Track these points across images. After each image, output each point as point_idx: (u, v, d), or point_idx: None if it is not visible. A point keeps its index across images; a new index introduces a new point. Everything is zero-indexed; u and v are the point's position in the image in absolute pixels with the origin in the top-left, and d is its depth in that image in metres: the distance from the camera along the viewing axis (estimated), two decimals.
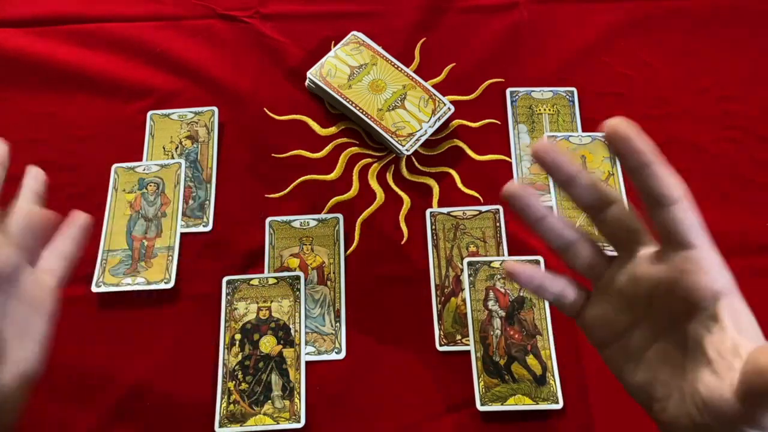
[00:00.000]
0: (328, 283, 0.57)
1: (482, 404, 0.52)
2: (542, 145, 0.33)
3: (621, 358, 0.34)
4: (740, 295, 0.31)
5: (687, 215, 0.31)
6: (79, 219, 0.43)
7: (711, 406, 0.29)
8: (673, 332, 0.32)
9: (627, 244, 0.34)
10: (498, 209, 0.60)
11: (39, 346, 0.38)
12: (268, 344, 0.54)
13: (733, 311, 0.30)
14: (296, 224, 0.59)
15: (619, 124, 0.33)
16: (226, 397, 0.52)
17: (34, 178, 0.45)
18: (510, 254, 0.58)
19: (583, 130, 0.64)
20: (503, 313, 0.55)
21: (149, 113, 0.65)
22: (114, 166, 0.62)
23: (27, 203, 0.42)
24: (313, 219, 0.60)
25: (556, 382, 0.53)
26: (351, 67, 0.64)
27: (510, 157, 0.63)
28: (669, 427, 0.32)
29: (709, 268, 0.31)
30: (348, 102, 0.62)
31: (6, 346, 0.35)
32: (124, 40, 0.68)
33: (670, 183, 0.32)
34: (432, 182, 0.62)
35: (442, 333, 0.55)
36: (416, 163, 0.63)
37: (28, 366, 0.36)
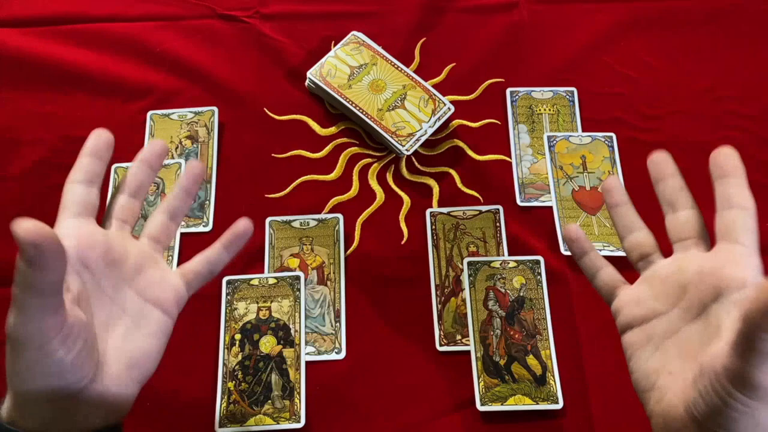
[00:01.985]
0: (328, 283, 0.57)
1: (482, 404, 0.52)
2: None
3: (641, 342, 0.35)
4: None
5: (748, 221, 0.36)
6: (243, 229, 0.42)
7: (707, 372, 0.30)
8: (699, 322, 0.34)
9: (688, 244, 0.38)
10: (498, 209, 0.60)
11: (156, 343, 0.37)
12: (268, 344, 0.54)
13: None
14: (296, 224, 0.59)
15: (722, 150, 0.40)
16: (226, 397, 0.52)
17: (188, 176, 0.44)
18: (510, 254, 0.58)
19: (583, 130, 0.64)
20: (503, 313, 0.55)
21: (149, 113, 0.65)
22: (114, 166, 0.62)
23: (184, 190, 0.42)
24: (313, 219, 0.60)
25: (556, 382, 0.53)
26: (351, 67, 0.64)
27: (510, 157, 0.63)
28: (660, 416, 0.33)
29: (747, 264, 0.34)
30: (348, 102, 0.62)
31: (107, 331, 0.34)
32: (124, 40, 0.68)
33: (745, 195, 0.38)
34: (432, 182, 0.62)
35: (442, 333, 0.55)
36: (416, 163, 0.63)
37: (142, 363, 0.36)
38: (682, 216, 0.39)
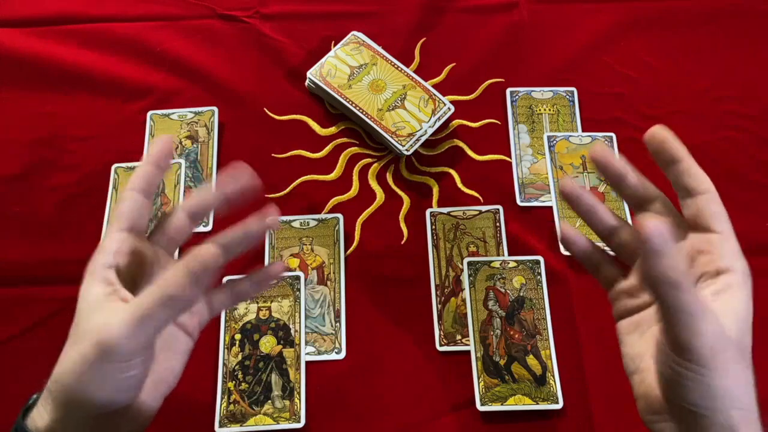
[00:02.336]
0: (328, 283, 0.57)
1: (482, 404, 0.52)
2: (599, 150, 0.40)
3: (630, 329, 0.37)
4: (747, 285, 0.34)
5: (712, 205, 0.36)
6: (278, 272, 0.42)
7: (659, 347, 0.32)
8: None
9: None
10: (498, 209, 0.60)
11: (181, 361, 0.39)
12: (268, 344, 0.54)
13: (726, 289, 0.34)
14: (296, 224, 0.59)
15: (657, 129, 0.40)
16: (226, 397, 0.52)
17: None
18: (510, 254, 0.58)
19: (583, 130, 0.64)
20: (503, 313, 0.55)
21: (149, 113, 0.65)
22: (114, 166, 0.62)
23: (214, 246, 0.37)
24: (313, 219, 0.60)
25: (556, 382, 0.53)
26: (351, 67, 0.64)
27: (510, 157, 0.63)
28: (642, 398, 0.35)
29: (726, 252, 0.35)
30: (348, 102, 0.62)
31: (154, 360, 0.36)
32: (124, 40, 0.68)
33: (699, 176, 0.37)
34: (432, 182, 0.62)
35: (442, 333, 0.55)
36: (416, 163, 0.63)
37: (168, 379, 0.38)
38: (656, 208, 0.40)
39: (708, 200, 0.36)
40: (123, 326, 0.32)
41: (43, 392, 0.35)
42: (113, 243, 0.36)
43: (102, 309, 0.34)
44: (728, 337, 0.31)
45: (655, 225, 0.29)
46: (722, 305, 0.33)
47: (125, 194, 0.38)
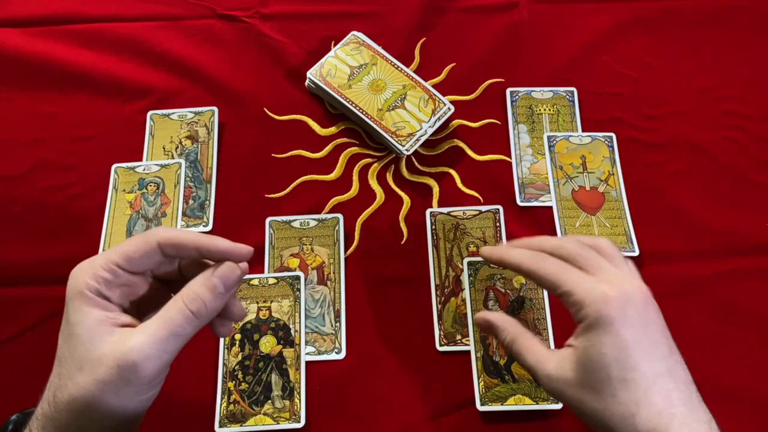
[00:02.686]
0: (328, 283, 0.57)
1: (482, 404, 0.52)
2: (484, 252, 0.45)
3: None
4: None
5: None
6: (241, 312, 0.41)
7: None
8: None
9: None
10: (498, 209, 0.60)
11: (167, 369, 0.38)
12: (268, 344, 0.54)
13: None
14: (296, 224, 0.59)
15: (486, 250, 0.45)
16: (226, 397, 0.52)
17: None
18: None
19: (583, 130, 0.64)
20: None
21: (149, 113, 0.65)
22: (114, 166, 0.62)
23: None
24: (313, 219, 0.60)
25: None
26: (351, 67, 0.64)
27: (510, 157, 0.63)
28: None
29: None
30: (348, 102, 0.62)
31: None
32: (124, 40, 0.68)
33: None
34: (432, 182, 0.62)
35: (442, 333, 0.55)
36: (416, 163, 0.63)
37: (160, 385, 0.38)
38: None
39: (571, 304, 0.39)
40: (152, 347, 0.32)
41: (35, 418, 0.34)
42: (106, 273, 0.35)
43: (110, 333, 0.33)
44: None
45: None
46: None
47: (149, 239, 0.36)
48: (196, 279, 0.35)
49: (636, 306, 0.37)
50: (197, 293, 0.34)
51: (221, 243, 0.37)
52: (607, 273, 0.38)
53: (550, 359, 0.39)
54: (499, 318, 0.44)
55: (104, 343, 0.33)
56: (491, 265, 0.54)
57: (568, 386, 0.37)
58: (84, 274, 0.35)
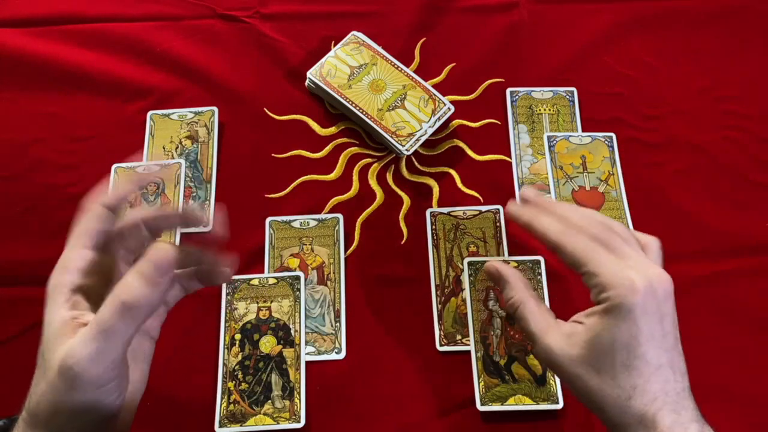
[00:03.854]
0: (328, 283, 0.57)
1: (482, 404, 0.52)
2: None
3: None
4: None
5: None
6: (223, 266, 0.40)
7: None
8: None
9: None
10: (498, 209, 0.60)
11: (147, 368, 0.39)
12: (268, 344, 0.54)
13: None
14: (296, 224, 0.59)
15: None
16: (226, 397, 0.52)
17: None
18: (510, 254, 0.58)
19: (583, 130, 0.64)
20: (504, 313, 0.55)
21: (149, 113, 0.65)
22: (114, 166, 0.62)
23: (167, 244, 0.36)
24: (313, 219, 0.60)
25: (556, 382, 0.53)
26: (351, 67, 0.64)
27: (510, 157, 0.63)
28: None
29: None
30: (348, 102, 0.62)
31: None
32: (124, 40, 0.68)
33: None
34: (432, 182, 0.62)
35: (442, 333, 0.55)
36: (416, 163, 0.63)
37: (139, 387, 0.38)
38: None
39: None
40: (85, 349, 0.30)
41: (19, 422, 0.34)
42: (77, 261, 0.34)
43: (65, 335, 0.31)
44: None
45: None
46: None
47: (93, 207, 0.35)
48: (131, 268, 0.32)
49: (657, 298, 0.37)
50: (127, 283, 0.31)
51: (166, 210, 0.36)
52: (631, 259, 0.38)
53: (554, 331, 0.39)
54: (511, 273, 0.44)
55: (58, 345, 0.31)
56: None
57: (570, 362, 0.37)
58: (57, 271, 0.34)
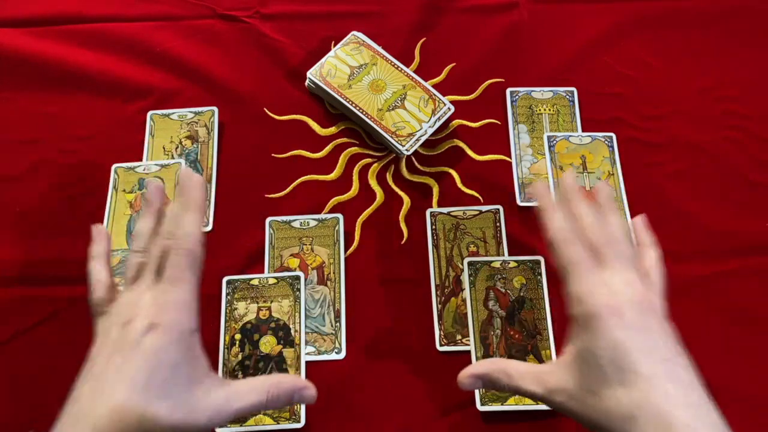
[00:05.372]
0: (328, 283, 0.57)
1: (482, 404, 0.52)
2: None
3: None
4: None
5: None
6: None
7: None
8: None
9: None
10: (498, 209, 0.60)
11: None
12: (268, 344, 0.54)
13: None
14: (296, 224, 0.59)
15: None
16: None
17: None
18: (510, 254, 0.58)
19: (583, 130, 0.64)
20: (504, 313, 0.55)
21: (149, 113, 0.65)
22: (114, 166, 0.62)
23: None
24: (313, 219, 0.60)
25: None
26: (351, 67, 0.64)
27: (510, 157, 0.63)
28: None
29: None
30: (348, 102, 0.62)
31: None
32: (124, 40, 0.68)
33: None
34: (432, 182, 0.62)
35: (442, 333, 0.55)
36: (416, 163, 0.63)
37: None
38: None
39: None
40: (207, 416, 0.36)
41: None
42: (196, 304, 0.40)
43: (192, 382, 0.37)
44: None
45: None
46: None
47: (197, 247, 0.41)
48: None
49: (633, 310, 0.37)
50: (261, 399, 0.38)
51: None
52: (615, 274, 0.39)
53: (548, 374, 0.39)
54: (484, 366, 0.43)
55: (176, 384, 0.37)
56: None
57: (570, 394, 0.37)
58: (182, 310, 0.40)
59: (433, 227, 0.60)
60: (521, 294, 0.56)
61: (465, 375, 0.42)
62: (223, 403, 0.37)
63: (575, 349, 0.38)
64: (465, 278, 0.56)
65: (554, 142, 0.63)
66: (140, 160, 0.63)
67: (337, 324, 0.56)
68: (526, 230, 0.60)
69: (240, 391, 0.39)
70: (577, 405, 0.37)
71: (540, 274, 0.57)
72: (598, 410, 0.36)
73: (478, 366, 0.43)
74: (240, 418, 0.51)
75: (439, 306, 0.56)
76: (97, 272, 0.42)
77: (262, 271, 0.57)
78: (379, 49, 0.65)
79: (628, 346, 0.35)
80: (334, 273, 0.57)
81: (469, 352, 0.54)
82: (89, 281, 0.42)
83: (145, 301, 0.38)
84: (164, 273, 0.39)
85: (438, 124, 0.62)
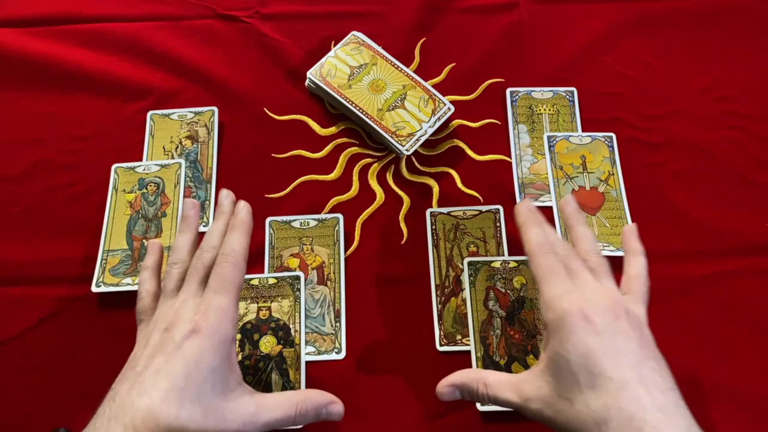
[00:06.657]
0: (328, 283, 0.57)
1: (482, 404, 0.52)
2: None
3: None
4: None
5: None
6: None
7: None
8: None
9: None
10: (498, 209, 0.60)
11: None
12: (268, 344, 0.54)
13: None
14: (296, 224, 0.59)
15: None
16: None
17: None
18: (510, 254, 0.58)
19: (583, 130, 0.64)
20: (504, 313, 0.55)
21: (149, 113, 0.65)
22: (114, 166, 0.62)
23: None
24: (313, 219, 0.60)
25: None
26: (351, 67, 0.64)
27: (510, 157, 0.63)
28: None
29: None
30: (348, 102, 0.62)
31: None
32: (124, 40, 0.68)
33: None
34: (432, 182, 0.62)
35: (442, 333, 0.55)
36: (416, 163, 0.63)
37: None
38: None
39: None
40: (237, 425, 0.37)
41: None
42: (236, 315, 0.40)
43: (226, 390, 0.38)
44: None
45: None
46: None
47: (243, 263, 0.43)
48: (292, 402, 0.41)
49: (603, 315, 0.38)
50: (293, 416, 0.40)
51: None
52: (585, 284, 0.40)
53: (524, 383, 0.40)
54: (461, 375, 0.44)
55: (213, 392, 0.38)
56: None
57: (545, 401, 0.38)
58: (224, 319, 0.40)
59: (433, 227, 0.60)
60: (521, 294, 0.56)
61: (443, 385, 0.43)
62: (253, 413, 0.38)
63: (548, 355, 0.38)
64: (465, 278, 0.56)
65: (554, 142, 0.63)
66: (140, 160, 0.63)
67: (337, 324, 0.56)
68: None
69: (269, 403, 0.39)
70: (552, 412, 0.37)
71: None
72: (571, 416, 0.36)
73: (455, 376, 0.43)
74: None
75: (439, 306, 0.56)
76: (146, 282, 0.45)
77: (262, 271, 0.57)
78: (379, 49, 0.65)
79: (597, 351, 0.36)
80: (334, 273, 0.57)
81: (469, 352, 0.54)
82: (138, 290, 0.45)
83: (189, 307, 0.39)
84: (209, 283, 0.41)
85: (438, 124, 0.62)
